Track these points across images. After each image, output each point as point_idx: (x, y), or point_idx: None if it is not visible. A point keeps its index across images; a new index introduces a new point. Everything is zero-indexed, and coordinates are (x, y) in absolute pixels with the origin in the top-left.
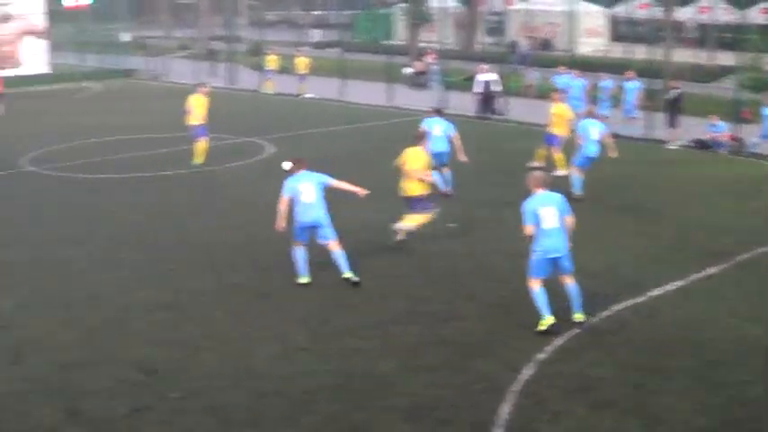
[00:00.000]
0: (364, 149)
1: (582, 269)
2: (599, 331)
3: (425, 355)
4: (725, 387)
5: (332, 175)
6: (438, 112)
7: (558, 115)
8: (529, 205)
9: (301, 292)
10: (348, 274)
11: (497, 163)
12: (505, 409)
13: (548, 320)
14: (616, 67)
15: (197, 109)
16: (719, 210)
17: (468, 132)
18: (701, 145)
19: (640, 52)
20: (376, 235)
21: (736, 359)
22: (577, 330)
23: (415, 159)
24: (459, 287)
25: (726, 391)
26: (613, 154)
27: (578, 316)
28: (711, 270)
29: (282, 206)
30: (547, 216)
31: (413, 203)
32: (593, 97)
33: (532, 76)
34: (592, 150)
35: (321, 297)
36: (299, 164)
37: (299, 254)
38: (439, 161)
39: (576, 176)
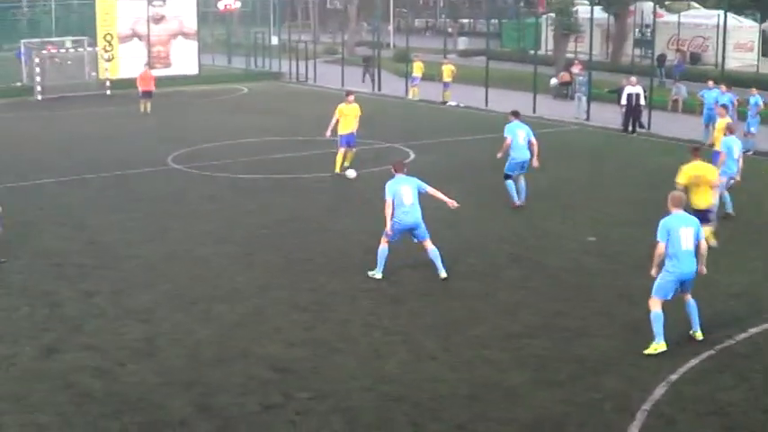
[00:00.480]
0: (503, 159)
1: (721, 289)
2: (734, 354)
3: (555, 370)
4: None
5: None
6: (516, 114)
7: (722, 130)
8: (666, 224)
9: (433, 300)
10: (443, 274)
11: (640, 178)
12: (634, 430)
13: (660, 346)
14: (766, 83)
15: (345, 118)
16: None
17: (612, 146)
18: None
19: None
20: (512, 247)
21: None
22: (711, 352)
23: (704, 172)
24: (593, 303)
25: None
26: (738, 177)
27: (698, 334)
28: None
29: (388, 209)
30: (684, 237)
31: (706, 215)
32: (742, 113)
33: (679, 90)
34: (733, 170)
35: (453, 306)
36: (399, 167)
37: (384, 251)
38: (522, 169)
39: (726, 195)
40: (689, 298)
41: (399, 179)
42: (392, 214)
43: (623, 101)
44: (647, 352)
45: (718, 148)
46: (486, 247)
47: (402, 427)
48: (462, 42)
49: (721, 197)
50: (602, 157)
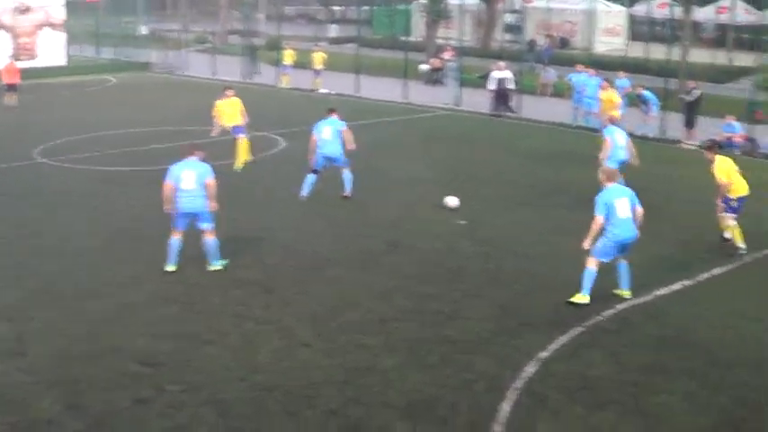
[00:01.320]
0: (372, 145)
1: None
2: (602, 330)
3: (427, 353)
4: (727, 387)
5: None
6: (332, 111)
7: (608, 101)
8: (603, 198)
9: (306, 288)
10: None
11: (510, 161)
12: (505, 408)
13: (584, 298)
14: (633, 67)
15: (227, 112)
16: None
17: (481, 130)
18: (715, 145)
19: (658, 52)
20: (385, 232)
21: (739, 360)
22: (581, 329)
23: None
24: (464, 286)
25: (728, 392)
26: (635, 161)
27: (624, 293)
28: (717, 270)
29: (167, 191)
30: (620, 207)
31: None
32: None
33: (549, 74)
34: (621, 155)
35: (326, 293)
36: (188, 150)
37: (174, 242)
38: (333, 162)
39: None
40: (624, 261)
41: (184, 163)
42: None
43: (491, 85)
44: (571, 300)
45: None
46: (360, 235)
47: (276, 415)
48: (333, 30)
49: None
50: (472, 141)
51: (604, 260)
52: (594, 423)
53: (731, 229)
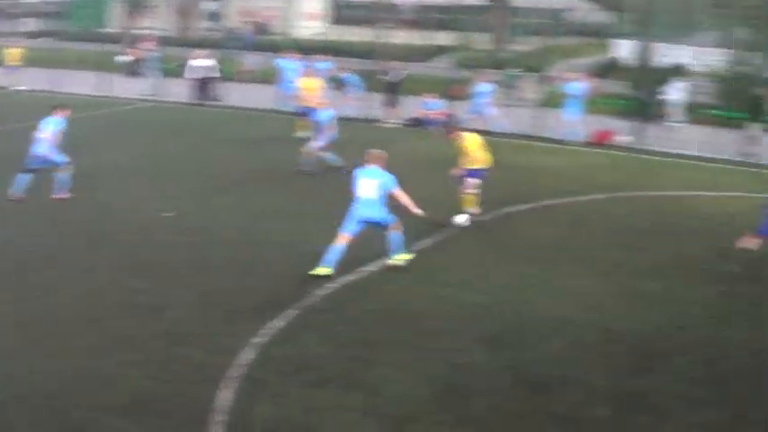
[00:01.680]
0: (76, 141)
1: (297, 249)
2: (315, 311)
3: (143, 349)
4: (442, 355)
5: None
6: (57, 109)
7: (309, 89)
8: (357, 173)
9: (11, 296)
10: None
11: (214, 149)
12: (225, 396)
13: (326, 271)
14: (335, 50)
15: None
16: (431, 184)
17: (185, 120)
18: (416, 122)
19: (361, 34)
20: (92, 226)
21: (450, 327)
22: (296, 311)
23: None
24: (174, 278)
25: (443, 359)
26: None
27: (395, 260)
28: (424, 243)
29: None
30: (364, 186)
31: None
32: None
33: (251, 60)
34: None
35: (28, 297)
36: None
37: None
38: (43, 164)
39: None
40: (394, 231)
41: None
42: None
43: (190, 74)
44: (313, 272)
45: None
46: (69, 232)
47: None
48: (29, 24)
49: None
50: (176, 131)
51: (347, 234)
52: (316, 401)
53: (469, 196)
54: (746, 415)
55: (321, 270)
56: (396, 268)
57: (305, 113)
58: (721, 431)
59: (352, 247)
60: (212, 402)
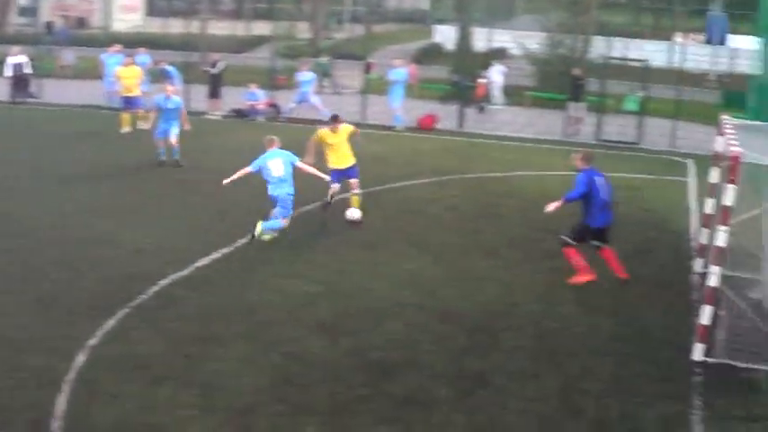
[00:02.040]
0: None
1: (127, 246)
2: (149, 308)
3: None
4: (278, 346)
5: None
6: None
7: (131, 77)
8: (261, 159)
9: None
10: None
11: (35, 148)
12: (62, 401)
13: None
14: (153, 43)
15: None
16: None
17: (3, 117)
18: (240, 113)
19: (179, 26)
20: None
21: (285, 318)
22: (127, 310)
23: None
24: (8, 283)
25: (279, 350)
26: (187, 126)
27: (263, 233)
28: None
29: None
30: (274, 167)
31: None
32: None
33: (69, 56)
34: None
35: None
36: None
37: None
38: None
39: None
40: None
41: None
42: None
43: (6, 72)
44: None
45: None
46: None
47: None
48: None
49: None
50: None
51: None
52: (152, 400)
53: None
54: (579, 386)
55: (264, 233)
56: (225, 261)
57: (129, 104)
58: (557, 402)
59: (183, 242)
60: (49, 408)
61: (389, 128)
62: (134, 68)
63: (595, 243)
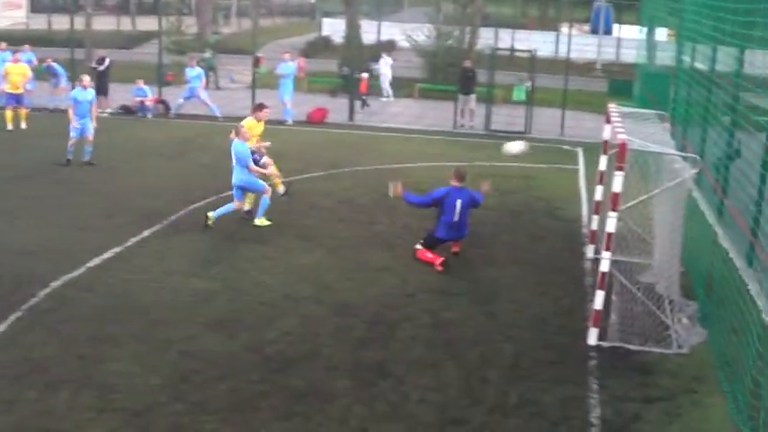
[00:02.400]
0: None
1: (14, 248)
2: (40, 311)
3: None
4: (174, 345)
5: None
6: None
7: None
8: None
9: None
10: None
11: None
12: None
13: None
14: (37, 39)
15: None
16: (150, 173)
17: None
18: (128, 110)
19: (63, 22)
20: None
21: (179, 316)
22: (18, 313)
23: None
24: None
25: (175, 348)
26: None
27: (260, 221)
28: (146, 233)
29: None
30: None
31: None
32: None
33: None
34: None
35: None
36: None
37: None
38: None
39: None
40: (264, 195)
41: None
42: None
43: None
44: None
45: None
46: None
47: None
48: None
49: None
50: None
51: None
52: (48, 404)
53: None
54: (478, 374)
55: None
56: (117, 261)
57: (15, 101)
58: (456, 390)
59: (73, 243)
60: None
61: (281, 122)
62: (22, 65)
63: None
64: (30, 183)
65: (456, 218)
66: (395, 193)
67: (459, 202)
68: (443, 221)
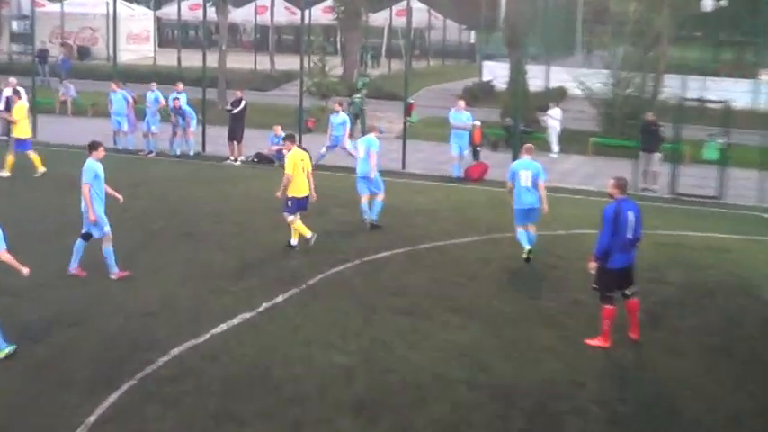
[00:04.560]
0: None
1: (132, 307)
2: (157, 380)
3: None
4: (304, 426)
5: None
6: None
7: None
8: (512, 167)
9: None
10: None
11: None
12: None
13: (527, 250)
14: (166, 77)
15: None
16: (286, 230)
17: None
18: (263, 159)
19: (193, 59)
20: None
21: (314, 394)
22: (132, 382)
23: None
24: None
25: (308, 430)
26: None
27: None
28: (280, 298)
29: None
30: (524, 177)
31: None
32: (140, 111)
33: (68, 89)
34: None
35: None
36: None
37: None
38: None
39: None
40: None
41: None
42: None
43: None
44: (524, 256)
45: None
46: None
47: None
48: None
49: None
50: None
51: (520, 224)
52: None
53: (294, 226)
54: None
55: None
56: (245, 328)
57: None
58: None
59: (197, 305)
60: None
61: (448, 178)
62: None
63: (625, 293)
64: (153, 234)
65: (630, 234)
66: (594, 269)
67: (630, 215)
68: (617, 244)
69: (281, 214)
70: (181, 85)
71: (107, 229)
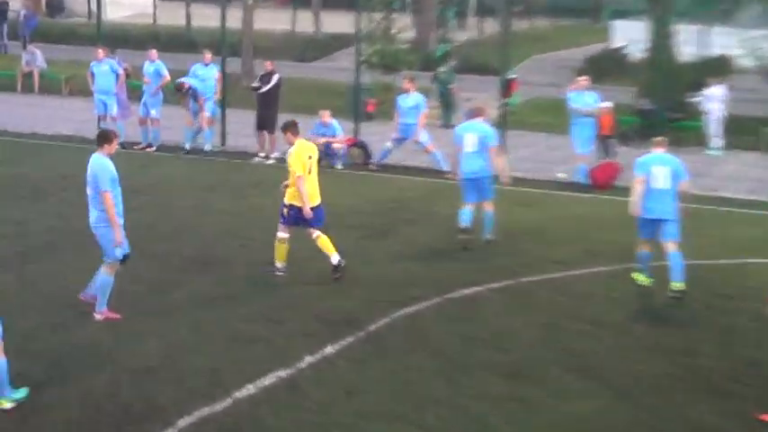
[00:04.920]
0: None
1: (124, 360)
2: None
3: None
4: None
5: None
6: None
7: None
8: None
9: None
10: None
11: None
12: None
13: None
14: (168, 42)
15: None
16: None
17: None
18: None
19: (208, 16)
20: None
21: None
22: None
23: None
24: None
25: None
26: None
27: (677, 285)
28: (329, 349)
29: None
30: (659, 175)
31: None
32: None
33: (34, 57)
34: None
35: None
36: None
37: None
38: None
39: None
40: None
41: None
42: None
43: None
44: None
45: None
46: None
47: None
48: None
49: None
50: None
51: (645, 238)
52: None
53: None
54: None
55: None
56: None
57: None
58: None
59: (217, 358)
60: None
61: (561, 185)
62: None
63: None
64: (155, 259)
65: None
66: None
67: None
68: None
69: (329, 234)
70: (209, 55)
71: (119, 252)
